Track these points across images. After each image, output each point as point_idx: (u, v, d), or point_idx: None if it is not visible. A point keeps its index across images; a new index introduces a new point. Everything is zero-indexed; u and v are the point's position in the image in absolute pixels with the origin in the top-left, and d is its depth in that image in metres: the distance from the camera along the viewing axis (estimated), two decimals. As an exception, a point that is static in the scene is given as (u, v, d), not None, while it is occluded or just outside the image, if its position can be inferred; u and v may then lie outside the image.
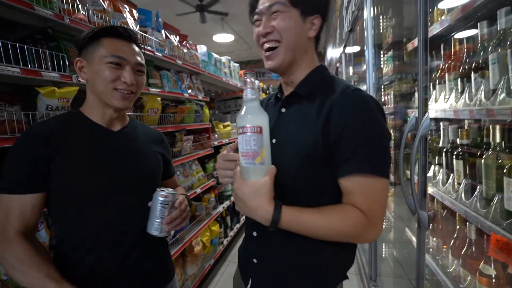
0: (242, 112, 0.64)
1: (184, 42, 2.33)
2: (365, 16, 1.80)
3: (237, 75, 3.67)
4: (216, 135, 2.80)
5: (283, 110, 0.76)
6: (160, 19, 1.91)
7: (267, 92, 5.92)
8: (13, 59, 0.98)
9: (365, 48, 1.85)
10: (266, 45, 0.71)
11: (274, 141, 0.72)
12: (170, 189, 0.82)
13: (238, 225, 3.21)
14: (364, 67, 2.02)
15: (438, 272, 1.16)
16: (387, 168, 0.65)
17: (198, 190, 2.26)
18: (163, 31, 1.96)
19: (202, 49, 2.75)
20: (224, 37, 7.31)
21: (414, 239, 1.51)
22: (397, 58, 1.86)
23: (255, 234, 0.78)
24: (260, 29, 0.71)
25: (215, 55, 2.96)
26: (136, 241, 0.83)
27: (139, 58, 0.83)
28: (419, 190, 1.05)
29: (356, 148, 0.62)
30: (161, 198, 0.78)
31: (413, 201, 1.01)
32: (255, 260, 0.78)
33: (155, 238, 0.81)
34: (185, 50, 2.23)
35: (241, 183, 0.63)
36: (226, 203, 2.88)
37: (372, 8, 1.78)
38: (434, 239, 1.39)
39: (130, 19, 1.58)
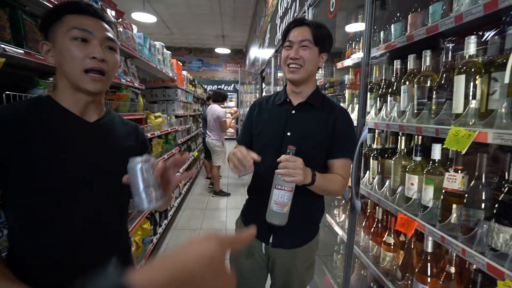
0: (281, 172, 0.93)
1: (120, 19, 2.07)
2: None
3: (169, 63, 3.47)
4: (148, 127, 2.60)
5: (293, 112, 1.13)
6: (97, -11, 1.64)
7: (193, 83, 5.76)
8: None
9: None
10: (292, 66, 1.06)
11: (289, 133, 1.10)
12: (143, 156, 0.67)
13: (165, 221, 3.07)
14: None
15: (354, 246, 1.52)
16: None
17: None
18: (99, 3, 1.70)
19: (135, 30, 2.48)
20: (144, 17, 6.61)
21: (332, 221, 1.87)
22: (329, 72, 2.22)
23: None
24: (291, 54, 1.05)
25: (150, 40, 2.72)
26: (99, 241, 0.77)
27: (108, 33, 0.75)
28: (354, 183, 1.34)
29: (346, 144, 1.13)
30: (139, 165, 0.65)
31: (351, 192, 1.29)
32: None
33: (115, 238, 0.83)
34: (121, 29, 1.98)
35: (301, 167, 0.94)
36: (156, 199, 2.72)
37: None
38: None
39: (66, -16, 1.32)
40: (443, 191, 0.95)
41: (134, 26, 2.47)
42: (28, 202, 0.68)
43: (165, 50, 3.26)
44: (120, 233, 0.88)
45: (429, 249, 1.02)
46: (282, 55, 1.12)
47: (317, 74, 2.45)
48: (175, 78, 3.71)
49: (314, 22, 1.07)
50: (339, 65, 1.96)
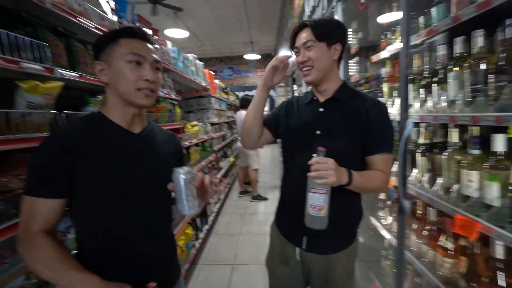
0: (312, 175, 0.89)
1: (155, 37, 2.21)
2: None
3: (202, 73, 3.61)
4: (186, 136, 2.72)
5: (321, 109, 1.08)
6: (135, 11, 1.78)
7: (226, 91, 5.91)
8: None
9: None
10: (304, 69, 1.05)
11: (318, 132, 1.05)
12: (185, 167, 0.79)
13: (206, 227, 3.16)
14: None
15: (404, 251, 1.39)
16: None
17: (172, 192, 2.17)
18: (137, 24, 1.83)
19: (169, 45, 2.63)
20: (177, 33, 7.00)
21: (378, 224, 1.75)
22: (363, 67, 2.11)
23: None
24: (299, 58, 1.05)
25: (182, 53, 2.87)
26: (148, 241, 0.85)
27: (155, 56, 0.85)
28: (400, 183, 1.24)
29: (383, 137, 1.04)
30: (183, 177, 0.75)
31: (397, 192, 1.19)
32: None
33: (164, 238, 0.92)
34: (157, 46, 2.11)
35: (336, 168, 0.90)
36: (196, 205, 2.82)
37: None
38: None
39: (108, 8, 1.45)
40: (510, 187, 0.83)
41: (168, 42, 2.62)
42: (91, 208, 0.78)
43: (197, 61, 3.39)
44: (167, 234, 0.96)
45: (499, 255, 0.89)
46: None
47: (350, 71, 2.36)
48: (208, 87, 3.84)
49: (313, 20, 1.04)
50: (374, 58, 1.85)
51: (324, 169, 0.87)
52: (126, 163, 0.81)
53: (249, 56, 10.60)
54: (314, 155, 0.91)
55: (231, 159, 5.57)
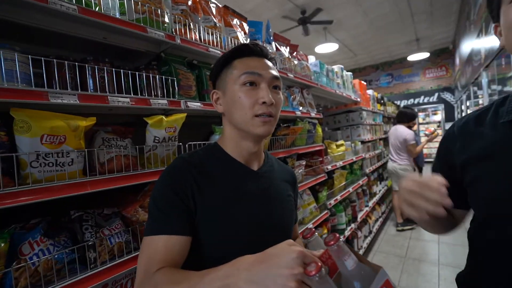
0: None
1: (295, 53, 2.06)
2: None
3: (350, 85, 3.16)
4: (329, 158, 2.37)
5: None
6: (270, 30, 1.69)
7: (382, 102, 5.03)
8: (125, 89, 0.88)
9: None
10: None
11: None
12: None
13: (353, 268, 2.61)
14: None
15: None
16: None
17: (310, 225, 1.87)
18: (273, 43, 1.74)
19: (311, 59, 2.43)
20: (327, 47, 6.88)
21: None
22: None
23: None
24: None
25: (327, 65, 2.58)
26: None
27: (274, 72, 0.71)
28: None
29: None
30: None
31: None
32: None
33: None
34: (295, 62, 1.95)
35: None
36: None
37: None
38: None
39: (240, 33, 1.41)
40: None
41: (311, 57, 2.43)
42: (208, 249, 0.66)
43: (344, 72, 3.00)
44: None
45: None
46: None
47: None
48: (358, 99, 3.32)
49: None
50: None
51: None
52: (245, 204, 0.70)
53: (414, 57, 8.81)
54: None
55: (389, 182, 4.59)
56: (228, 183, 0.70)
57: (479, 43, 4.15)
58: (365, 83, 3.83)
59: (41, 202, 0.71)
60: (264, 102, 0.66)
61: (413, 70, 10.04)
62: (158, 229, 0.62)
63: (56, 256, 0.73)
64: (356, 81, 3.48)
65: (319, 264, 0.46)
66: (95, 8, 0.85)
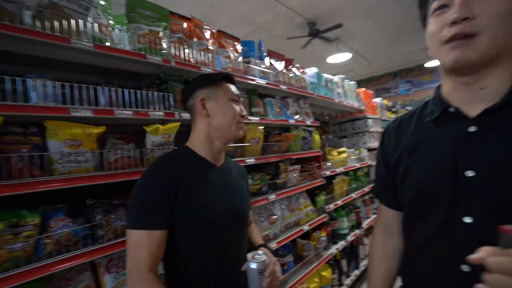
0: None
1: (290, 66, 2.24)
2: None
3: (353, 94, 3.26)
4: (329, 164, 2.48)
5: (472, 129, 0.60)
6: (263, 47, 1.90)
7: (393, 110, 5.02)
8: (129, 103, 1.12)
9: None
10: (457, 38, 0.56)
11: (471, 174, 0.58)
12: (260, 256, 0.85)
13: (357, 272, 2.64)
14: None
15: None
16: None
17: (306, 227, 1.98)
18: (266, 59, 1.94)
19: (311, 71, 2.59)
20: (340, 57, 6.95)
21: None
22: None
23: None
24: (454, 14, 0.56)
25: (326, 76, 2.73)
26: (234, 265, 0.89)
27: (238, 93, 0.99)
28: None
29: None
30: (255, 268, 0.83)
31: None
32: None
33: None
34: (290, 75, 2.13)
35: None
36: (341, 244, 2.43)
37: None
38: None
39: (232, 53, 1.63)
40: None
41: (308, 70, 2.58)
42: (186, 236, 0.82)
43: (346, 82, 3.12)
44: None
45: None
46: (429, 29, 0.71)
47: None
48: (363, 107, 3.40)
49: None
50: None
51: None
52: (215, 195, 0.87)
53: (432, 63, 8.59)
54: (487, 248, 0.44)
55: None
56: (199, 177, 0.86)
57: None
58: (371, 92, 3.90)
59: (64, 192, 0.94)
60: (243, 116, 0.96)
61: (433, 76, 9.74)
62: (142, 224, 0.74)
63: (74, 230, 0.95)
64: (361, 90, 3.57)
65: None
66: (107, 43, 1.10)
